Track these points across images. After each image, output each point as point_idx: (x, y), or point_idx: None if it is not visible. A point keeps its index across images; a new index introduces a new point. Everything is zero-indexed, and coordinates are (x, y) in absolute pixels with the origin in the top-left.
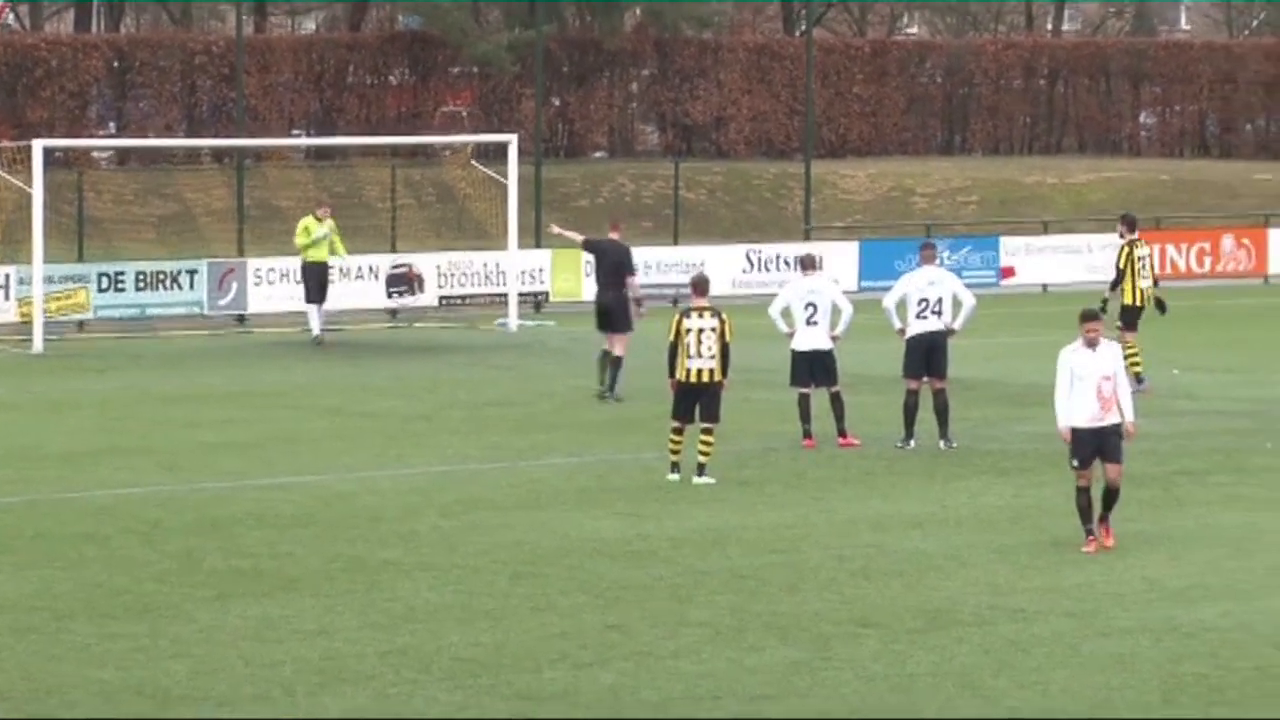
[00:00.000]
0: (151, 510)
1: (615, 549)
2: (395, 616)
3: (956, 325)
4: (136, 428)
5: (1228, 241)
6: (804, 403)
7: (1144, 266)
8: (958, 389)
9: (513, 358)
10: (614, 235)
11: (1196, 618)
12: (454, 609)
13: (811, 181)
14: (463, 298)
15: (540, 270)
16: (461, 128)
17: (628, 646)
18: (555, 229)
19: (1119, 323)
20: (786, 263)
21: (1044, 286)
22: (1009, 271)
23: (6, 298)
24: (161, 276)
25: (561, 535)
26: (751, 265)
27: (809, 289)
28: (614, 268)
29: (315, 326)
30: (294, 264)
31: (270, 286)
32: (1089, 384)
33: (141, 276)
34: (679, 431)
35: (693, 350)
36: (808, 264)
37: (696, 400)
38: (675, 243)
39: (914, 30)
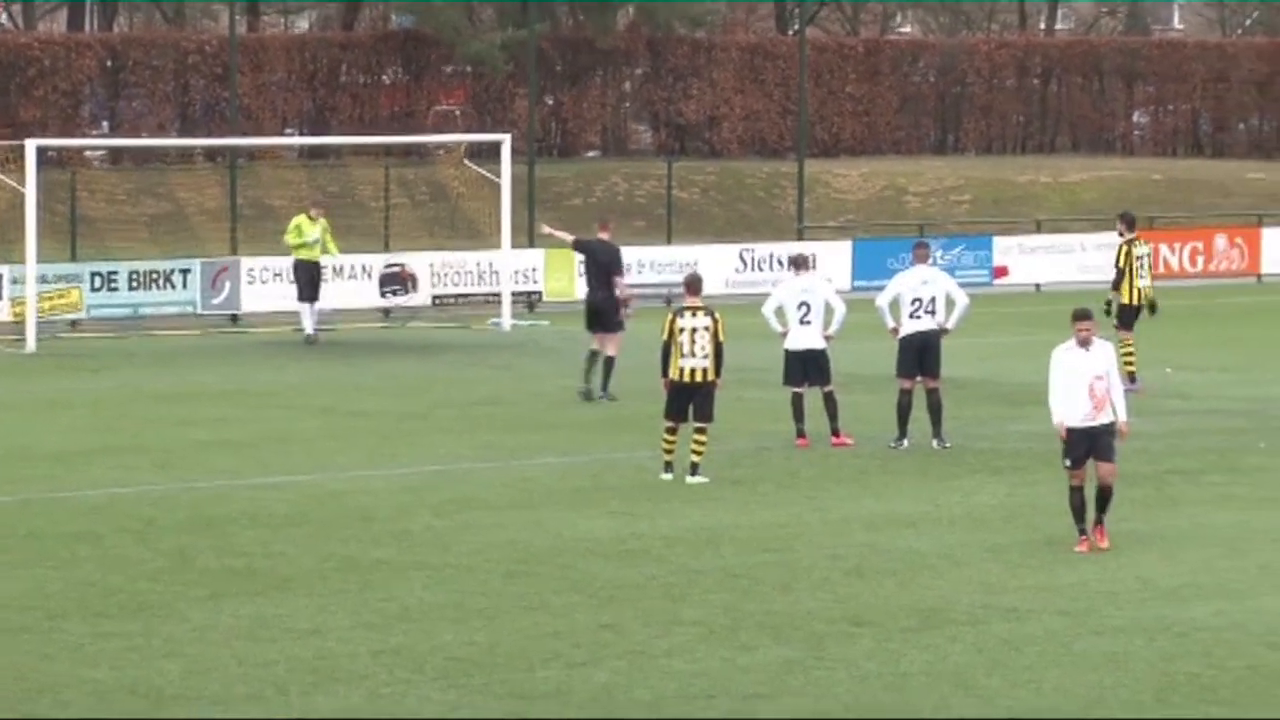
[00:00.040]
0: (145, 509)
1: (608, 548)
2: (388, 616)
3: (950, 325)
4: (129, 427)
5: (1221, 241)
6: (797, 402)
7: (1142, 266)
8: (951, 388)
9: (506, 357)
10: (603, 235)
11: (1189, 617)
12: (447, 608)
13: (805, 181)
14: (456, 297)
15: (533, 270)
16: (455, 127)
17: (621, 645)
18: (546, 229)
19: (1115, 321)
20: (780, 262)
21: (1037, 286)
22: (1002, 271)
23: (0, 297)
24: (155, 276)
25: (555, 534)
26: (745, 265)
27: (802, 288)
28: (603, 268)
29: (308, 325)
30: (287, 263)
31: (263, 286)
32: (1082, 383)
33: (135, 276)
34: (672, 431)
35: (686, 349)
36: (799, 264)
37: (690, 399)
38: (669, 242)
39: (907, 29)
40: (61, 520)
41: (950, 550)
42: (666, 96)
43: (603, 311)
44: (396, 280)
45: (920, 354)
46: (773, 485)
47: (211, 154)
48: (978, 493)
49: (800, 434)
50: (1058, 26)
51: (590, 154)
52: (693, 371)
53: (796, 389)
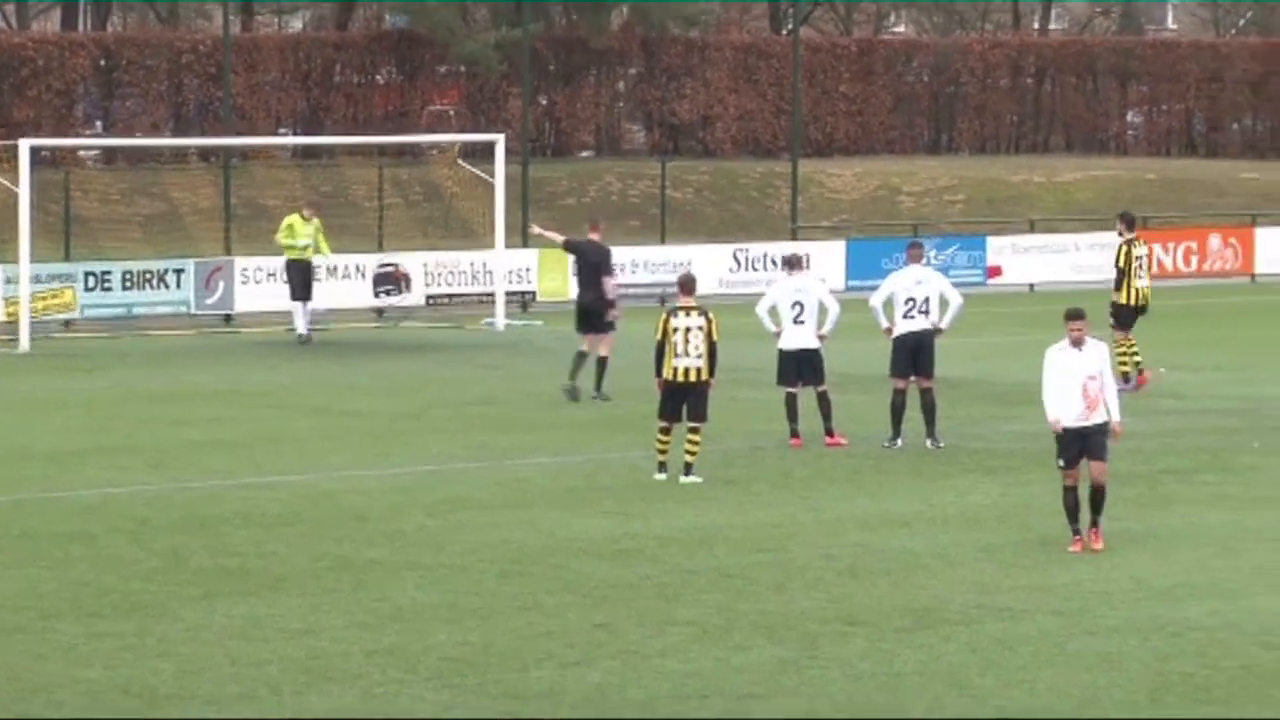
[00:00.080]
0: (138, 509)
1: (602, 548)
2: (381, 616)
3: (943, 324)
4: (123, 427)
5: (1214, 240)
6: (791, 402)
7: (1141, 266)
8: (944, 388)
9: (499, 357)
10: (594, 236)
11: (1183, 616)
12: (440, 608)
13: (798, 180)
14: (449, 297)
15: (527, 270)
16: (448, 127)
17: (614, 645)
18: (536, 229)
19: (1111, 321)
20: (773, 262)
21: (1031, 286)
22: (996, 270)
23: None
24: (148, 276)
25: (548, 534)
26: (738, 264)
27: (796, 288)
28: (593, 268)
29: (300, 325)
30: (281, 263)
31: (257, 285)
32: (1075, 383)
33: (128, 276)
34: (666, 431)
35: (680, 349)
36: (793, 263)
37: (684, 399)
38: (662, 242)
39: (901, 29)
40: (55, 520)
41: (944, 550)
42: (660, 96)
43: (594, 312)
44: (390, 280)
45: (914, 354)
46: (767, 485)
47: (205, 154)
48: (971, 492)
49: (794, 434)
50: (1051, 26)
51: (584, 154)
52: (686, 371)
53: (790, 389)
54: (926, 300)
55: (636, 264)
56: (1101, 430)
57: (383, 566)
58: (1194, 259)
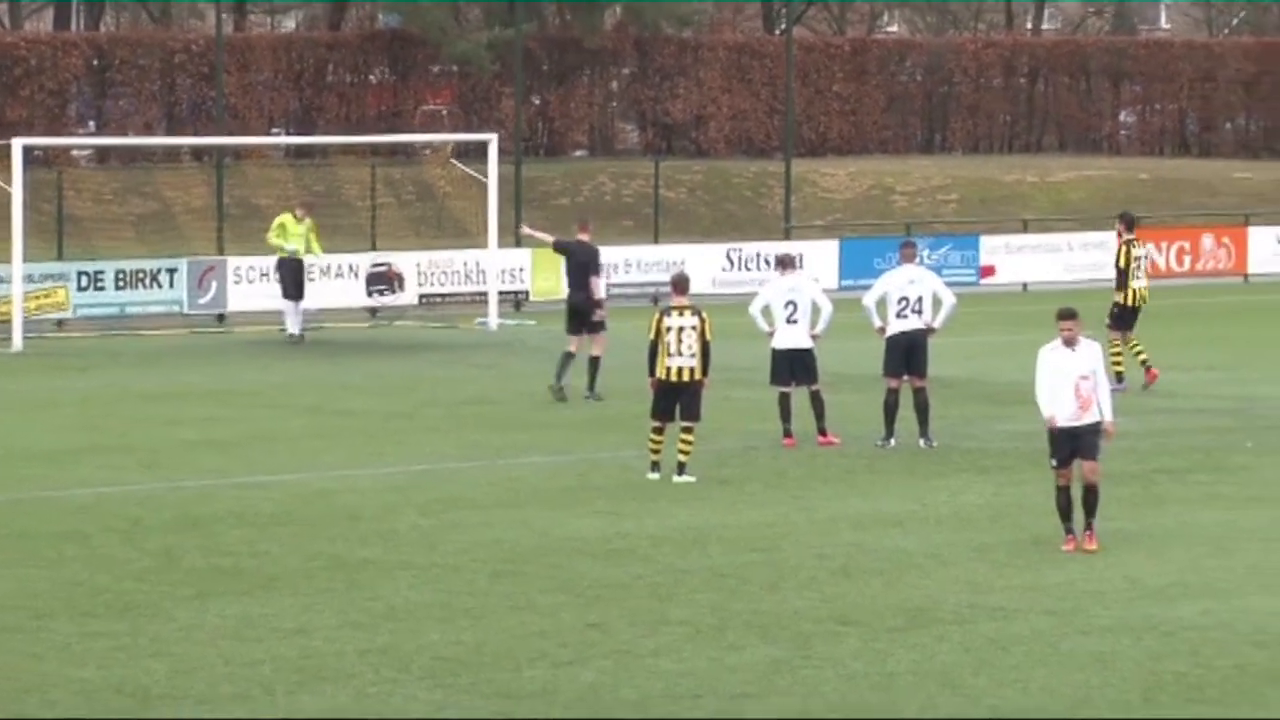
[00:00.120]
0: (131, 509)
1: (595, 547)
2: (375, 615)
3: (936, 324)
4: (116, 426)
5: (1207, 240)
6: (784, 401)
7: (1139, 267)
8: (938, 387)
9: (493, 356)
10: (583, 236)
11: (1176, 616)
12: (433, 608)
13: (792, 180)
14: (443, 296)
15: (520, 269)
16: (441, 126)
17: (607, 645)
18: (526, 229)
19: (1108, 321)
20: (767, 261)
21: (1024, 285)
22: (989, 270)
23: None
24: (141, 275)
25: (541, 534)
26: (732, 264)
27: (789, 287)
28: (581, 268)
29: (290, 324)
30: (274, 263)
31: (250, 285)
32: (1067, 383)
33: (121, 275)
34: (659, 430)
35: (673, 349)
36: (786, 263)
37: (677, 399)
38: (655, 241)
39: (894, 29)
40: (49, 520)
41: (937, 550)
42: (653, 96)
43: (583, 312)
44: (383, 280)
45: (907, 353)
46: (760, 485)
47: (198, 153)
48: (964, 492)
49: (787, 433)
50: (1044, 26)
51: (577, 153)
52: (680, 371)
53: (783, 388)
54: (920, 300)
55: (630, 263)
56: (1094, 430)
57: (376, 566)
58: (1187, 259)
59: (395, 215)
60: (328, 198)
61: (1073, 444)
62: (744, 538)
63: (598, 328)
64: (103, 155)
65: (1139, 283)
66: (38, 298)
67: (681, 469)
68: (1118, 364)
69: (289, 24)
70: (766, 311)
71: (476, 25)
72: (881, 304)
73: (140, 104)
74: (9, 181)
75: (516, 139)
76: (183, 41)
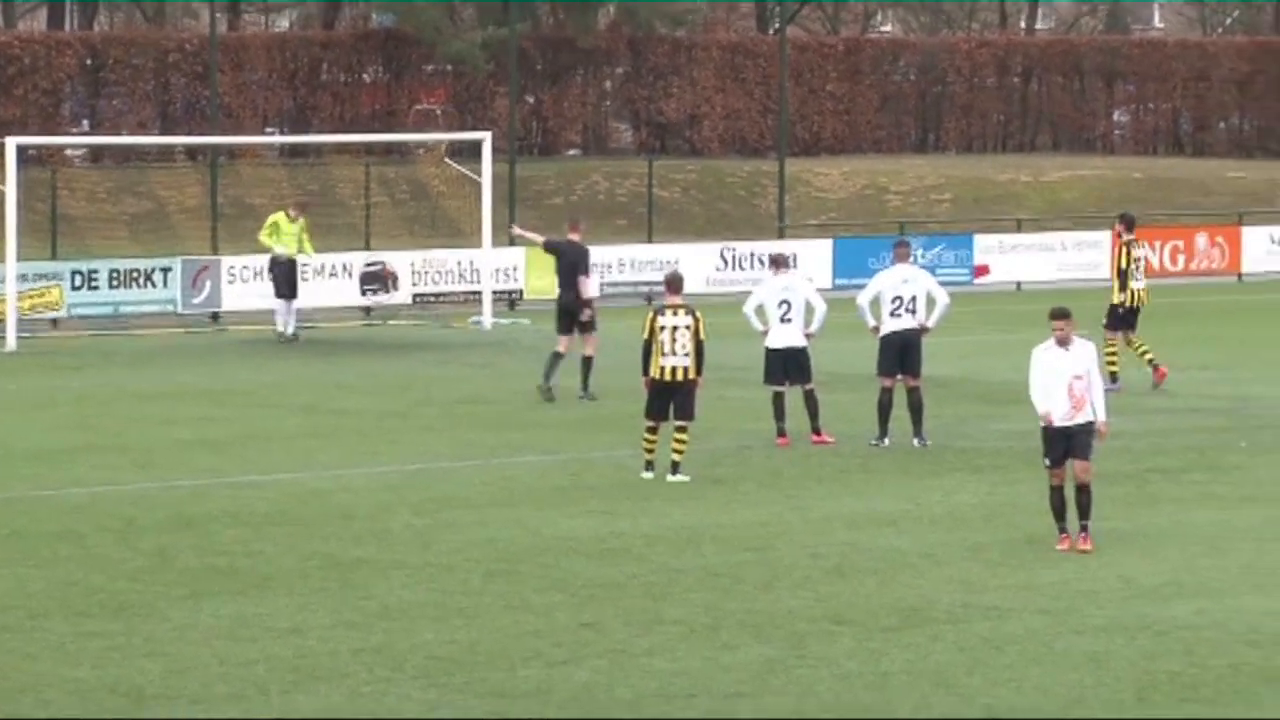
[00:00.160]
0: (126, 508)
1: (589, 547)
2: (369, 614)
3: (930, 323)
4: (111, 426)
5: (1201, 239)
6: (778, 401)
7: (1138, 268)
8: (931, 387)
9: (486, 355)
10: (573, 236)
11: (1170, 615)
12: (427, 607)
13: (785, 179)
14: (437, 295)
15: (514, 268)
16: (435, 125)
17: (602, 644)
18: (516, 230)
19: (1104, 321)
20: (761, 261)
21: (1018, 284)
22: (983, 270)
23: None
24: (135, 274)
25: (535, 533)
26: (726, 263)
27: (783, 286)
28: (572, 268)
29: (280, 324)
30: (268, 262)
31: (244, 284)
32: (1061, 383)
33: (115, 274)
34: (653, 430)
35: (667, 348)
36: (779, 262)
37: (671, 398)
38: (649, 241)
39: (888, 28)
40: (43, 519)
41: (931, 549)
42: (647, 95)
43: (574, 312)
44: (377, 279)
45: (901, 353)
46: (754, 484)
47: (192, 152)
48: (958, 491)
49: (781, 433)
50: (1038, 26)
51: (571, 152)
52: (674, 370)
53: (777, 388)
54: (914, 299)
55: (623, 263)
56: (1086, 430)
57: (370, 565)
58: (1181, 258)
59: (389, 214)
60: (322, 197)
61: (1066, 443)
62: (738, 537)
63: (588, 327)
64: (97, 154)
65: (1138, 284)
66: (32, 297)
67: (675, 468)
68: (1112, 364)
69: (283, 23)
70: (760, 311)
71: (470, 25)
72: (875, 303)
73: (134, 103)
74: (3, 181)
75: (510, 138)
76: (177, 41)
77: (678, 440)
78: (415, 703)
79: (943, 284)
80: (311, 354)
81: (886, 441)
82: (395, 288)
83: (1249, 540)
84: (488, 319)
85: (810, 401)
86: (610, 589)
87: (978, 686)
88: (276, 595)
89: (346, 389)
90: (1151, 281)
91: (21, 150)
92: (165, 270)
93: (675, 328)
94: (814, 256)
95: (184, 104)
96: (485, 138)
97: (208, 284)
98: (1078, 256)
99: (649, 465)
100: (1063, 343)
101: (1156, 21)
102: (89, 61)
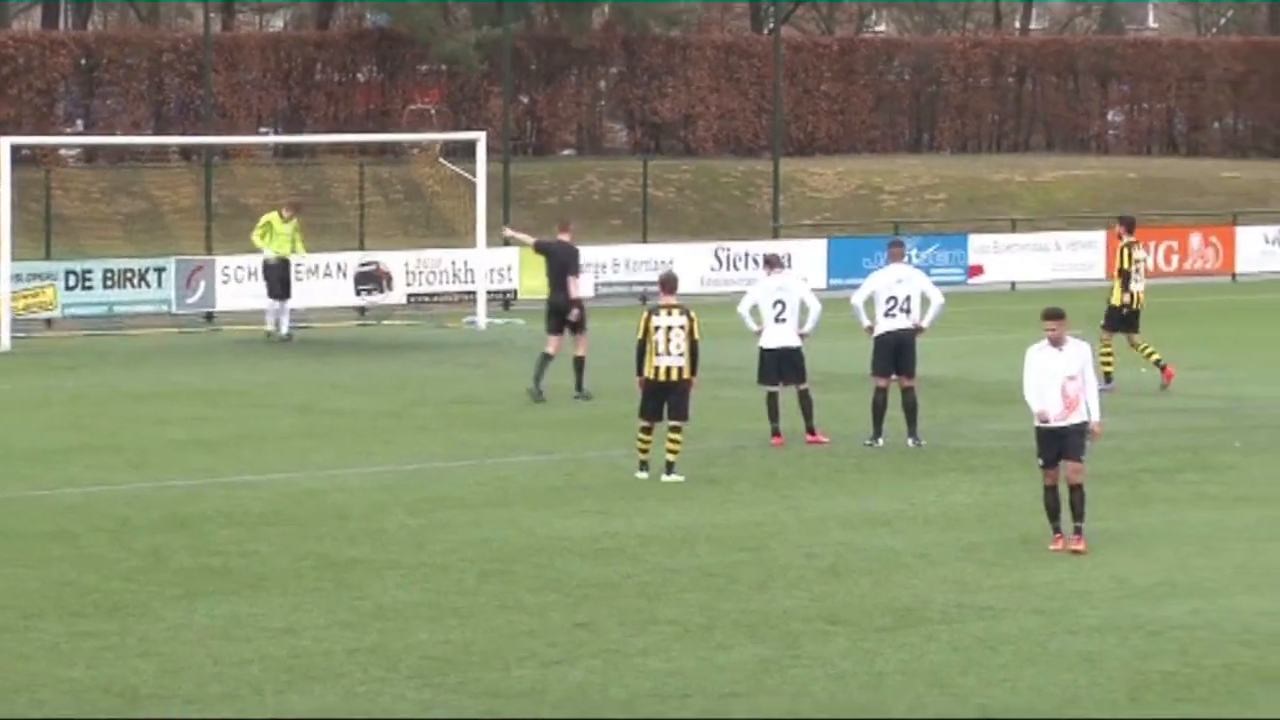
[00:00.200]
0: (120, 508)
1: (584, 547)
2: (363, 614)
3: (925, 323)
4: (105, 425)
5: (1195, 239)
6: (772, 401)
7: (1138, 269)
8: (926, 387)
9: (481, 355)
10: (563, 237)
11: (1164, 615)
12: (422, 607)
13: (780, 179)
14: (431, 295)
15: (509, 268)
16: (430, 125)
17: (596, 644)
18: (508, 231)
19: (1102, 321)
20: (755, 261)
21: (1012, 284)
22: (977, 269)
23: None
24: (129, 274)
25: (529, 533)
26: (720, 263)
27: (777, 286)
28: (563, 268)
29: (270, 323)
30: (261, 262)
31: (238, 284)
32: (1054, 383)
33: (109, 274)
34: (647, 430)
35: (661, 348)
36: (773, 262)
37: (665, 398)
38: (644, 240)
39: (882, 28)
40: (37, 519)
41: (925, 549)
42: (642, 95)
43: (565, 312)
44: (372, 279)
45: (895, 353)
46: (748, 484)
47: (186, 152)
48: (952, 491)
49: (775, 433)
50: (1032, 25)
51: (565, 152)
52: (668, 370)
53: (771, 387)
54: (908, 299)
55: (618, 263)
56: (1079, 430)
57: (364, 565)
58: (1175, 258)
59: (383, 214)
60: (316, 197)
61: (1059, 444)
62: (732, 537)
63: (579, 328)
64: (90, 154)
65: (1138, 285)
66: (25, 297)
67: (670, 468)
68: (1107, 365)
69: (277, 23)
70: (754, 311)
71: (464, 24)
72: (869, 303)
73: (128, 103)
74: None
75: (505, 138)
76: (171, 40)
77: (672, 440)
78: (410, 703)
79: (937, 284)
80: (306, 354)
81: (881, 441)
82: (390, 288)
83: (1243, 540)
84: (482, 319)
85: (804, 401)
86: (605, 589)
87: (972, 686)
88: (271, 595)
89: (341, 389)
90: (1146, 282)
91: (15, 150)
92: (159, 270)
93: (670, 328)
94: (808, 256)
95: (178, 104)
96: (480, 138)
97: (202, 284)
98: (1072, 256)
99: (643, 465)
100: (1056, 343)
101: (1151, 21)
102: (83, 61)
